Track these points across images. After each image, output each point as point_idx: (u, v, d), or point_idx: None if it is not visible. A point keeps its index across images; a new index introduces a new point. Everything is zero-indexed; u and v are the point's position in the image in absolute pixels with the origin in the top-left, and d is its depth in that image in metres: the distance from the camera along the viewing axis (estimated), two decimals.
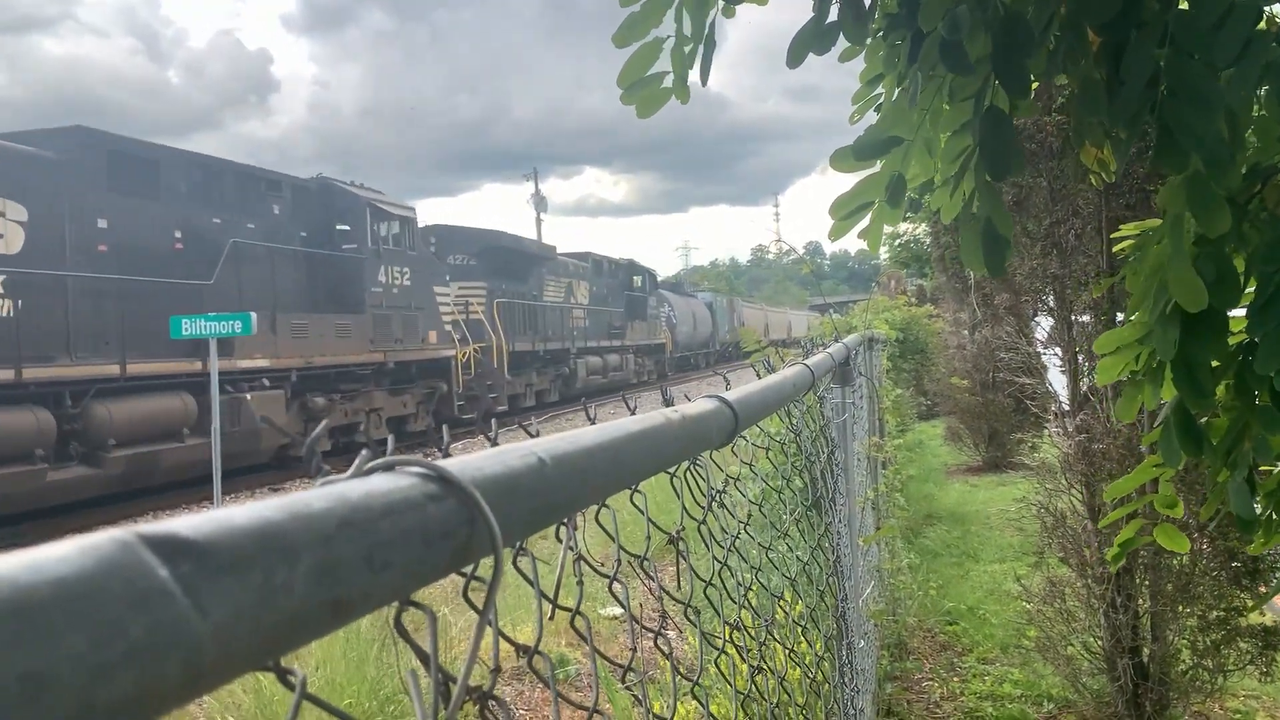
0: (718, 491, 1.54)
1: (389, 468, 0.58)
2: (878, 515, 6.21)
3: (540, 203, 54.08)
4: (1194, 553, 4.72)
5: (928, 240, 20.70)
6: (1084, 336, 5.22)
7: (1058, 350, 5.46)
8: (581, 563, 0.98)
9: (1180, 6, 1.66)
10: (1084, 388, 5.19)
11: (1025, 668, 5.93)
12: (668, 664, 1.13)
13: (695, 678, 1.21)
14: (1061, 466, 5.25)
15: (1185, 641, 4.83)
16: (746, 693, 1.49)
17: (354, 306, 17.41)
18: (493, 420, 1.11)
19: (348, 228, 17.89)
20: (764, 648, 1.69)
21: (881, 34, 2.12)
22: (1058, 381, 5.67)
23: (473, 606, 0.67)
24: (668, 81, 2.19)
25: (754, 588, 1.65)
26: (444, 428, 0.97)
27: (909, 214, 12.24)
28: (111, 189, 12.90)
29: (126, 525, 0.37)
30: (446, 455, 0.77)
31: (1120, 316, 5.09)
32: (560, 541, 0.95)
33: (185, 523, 0.39)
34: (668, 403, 1.39)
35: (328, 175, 18.53)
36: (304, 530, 0.43)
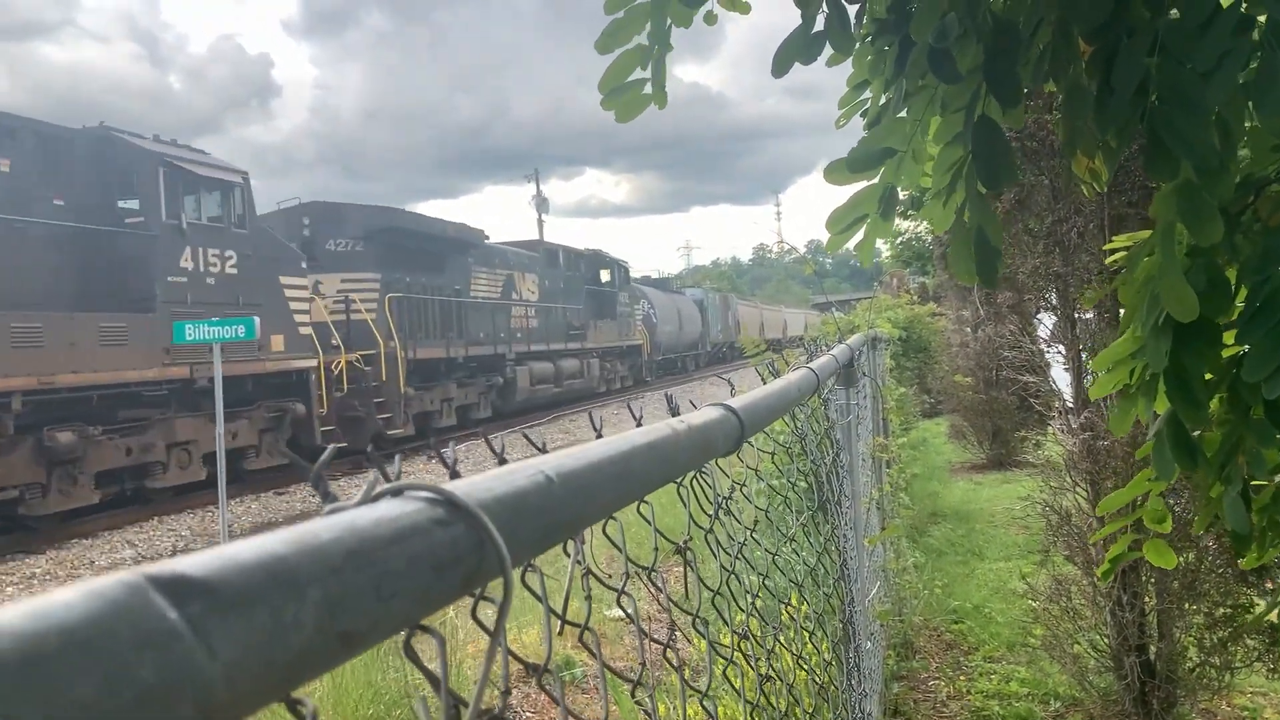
0: (724, 498, 1.54)
1: (397, 493, 0.57)
2: (883, 515, 6.20)
3: (542, 204, 54.08)
4: (1200, 550, 4.71)
5: (929, 238, 20.71)
6: (1087, 334, 5.21)
7: (1061, 348, 5.45)
8: (589, 577, 0.98)
9: (1171, 13, 1.66)
10: (1087, 386, 5.18)
11: (1032, 666, 5.92)
12: (675, 674, 1.13)
13: (705, 688, 1.20)
14: (1066, 464, 5.25)
15: (1192, 639, 4.83)
16: (755, 702, 1.49)
17: (139, 302, 12.76)
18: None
19: (135, 200, 13.24)
20: (772, 654, 1.69)
21: (870, 39, 2.11)
22: (1061, 379, 5.67)
23: (483, 628, 0.66)
24: (648, 88, 2.18)
25: (761, 594, 1.65)
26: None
27: (910, 211, 12.23)
28: None
29: (133, 568, 0.36)
30: (455, 476, 0.77)
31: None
32: (568, 555, 0.94)
33: (192, 562, 0.38)
34: (673, 412, 1.38)
35: (111, 126, 13.57)
36: (312, 563, 0.43)
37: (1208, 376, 1.98)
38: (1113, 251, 2.38)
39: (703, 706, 1.22)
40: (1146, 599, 4.94)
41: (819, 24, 1.95)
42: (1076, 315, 5.27)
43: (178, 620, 0.35)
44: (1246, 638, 4.63)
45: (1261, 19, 1.62)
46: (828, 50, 2.06)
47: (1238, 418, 2.04)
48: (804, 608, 2.23)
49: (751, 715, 1.42)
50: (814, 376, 2.27)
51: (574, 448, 0.87)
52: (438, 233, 20.96)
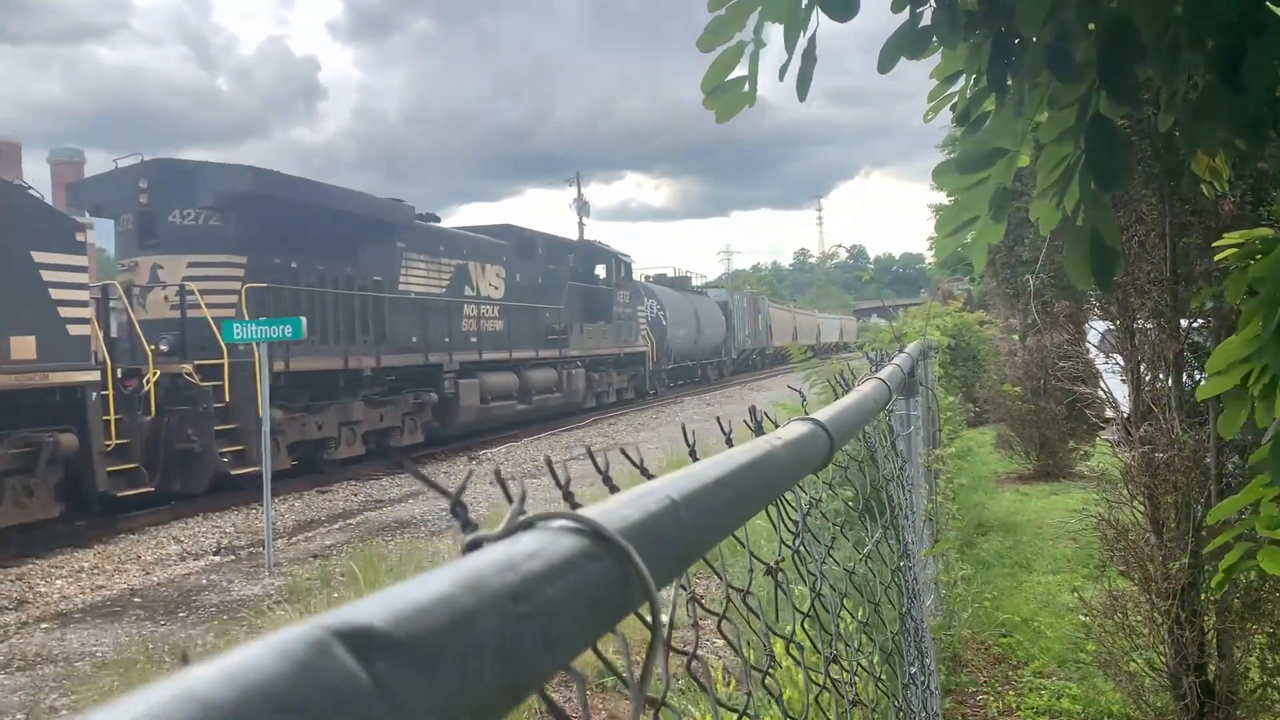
0: (804, 515, 1.49)
1: (529, 525, 0.53)
2: (934, 526, 6.12)
3: (583, 207, 54.10)
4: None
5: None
6: (1146, 344, 5.10)
7: (1118, 358, 5.34)
8: (695, 603, 0.94)
9: None
10: (1146, 398, 5.07)
11: (1084, 683, 5.81)
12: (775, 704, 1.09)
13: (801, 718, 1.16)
14: (1123, 477, 5.14)
15: (1254, 659, 4.71)
16: None
17: None
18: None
19: None
20: (856, 678, 1.64)
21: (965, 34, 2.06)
22: (1118, 390, 5.55)
23: (612, 671, 0.62)
24: (747, 86, 2.15)
25: (843, 616, 1.60)
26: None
27: None
28: None
29: (312, 619, 0.32)
30: (569, 497, 0.73)
31: (1184, 323, 4.98)
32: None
33: (376, 612, 0.34)
34: (756, 426, 1.34)
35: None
36: (487, 609, 0.39)
37: None
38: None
39: None
40: (1206, 618, 4.82)
41: (925, 19, 1.90)
42: (1135, 325, 5.16)
43: (367, 682, 0.32)
44: None
45: None
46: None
47: None
48: (890, 629, 2.18)
49: None
50: (886, 387, 2.21)
51: (682, 469, 0.83)
52: (344, 207, 15.78)
